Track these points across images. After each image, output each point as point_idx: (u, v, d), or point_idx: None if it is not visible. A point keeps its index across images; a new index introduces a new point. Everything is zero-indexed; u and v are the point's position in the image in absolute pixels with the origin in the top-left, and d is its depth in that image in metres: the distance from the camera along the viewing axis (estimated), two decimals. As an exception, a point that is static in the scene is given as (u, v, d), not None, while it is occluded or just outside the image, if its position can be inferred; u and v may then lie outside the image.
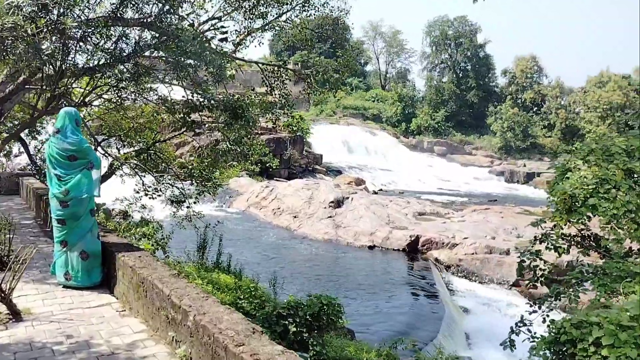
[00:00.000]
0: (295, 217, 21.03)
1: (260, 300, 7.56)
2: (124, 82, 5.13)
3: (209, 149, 12.00)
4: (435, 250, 16.88)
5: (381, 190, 33.25)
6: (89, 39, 5.03)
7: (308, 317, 6.71)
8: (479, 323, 12.65)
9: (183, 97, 8.56)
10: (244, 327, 3.12)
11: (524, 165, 45.18)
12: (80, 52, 4.97)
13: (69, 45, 4.64)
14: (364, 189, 29.98)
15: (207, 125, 10.50)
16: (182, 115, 8.62)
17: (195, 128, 9.09)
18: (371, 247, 17.53)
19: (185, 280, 4.23)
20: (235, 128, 9.66)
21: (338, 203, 21.06)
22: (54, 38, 4.45)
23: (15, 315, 4.08)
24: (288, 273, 13.97)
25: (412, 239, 17.17)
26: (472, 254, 16.26)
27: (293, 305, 6.94)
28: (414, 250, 17.09)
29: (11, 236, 4.84)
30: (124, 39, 5.58)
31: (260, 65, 11.61)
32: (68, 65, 4.86)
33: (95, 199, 5.24)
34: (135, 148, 11.17)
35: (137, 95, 6.81)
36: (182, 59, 6.78)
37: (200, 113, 9.41)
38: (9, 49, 4.00)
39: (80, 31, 4.53)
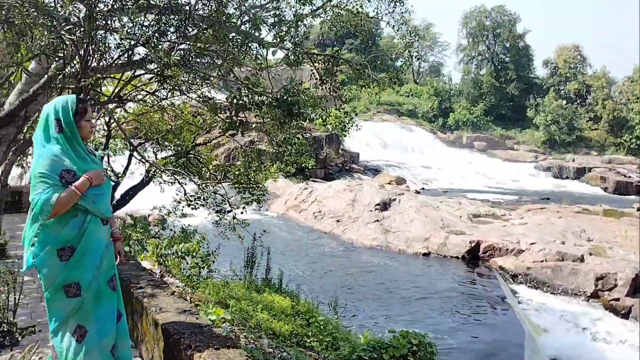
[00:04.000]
0: (338, 221, 19.69)
1: (332, 336, 6.24)
2: (171, 69, 3.85)
3: (254, 151, 10.78)
4: (498, 257, 15.31)
5: (423, 189, 31.67)
6: (119, 18, 3.78)
7: (396, 363, 5.38)
8: (564, 345, 11.10)
9: (230, 92, 7.27)
10: None
11: (573, 160, 42.81)
12: (110, 32, 3.75)
13: (97, 16, 3.41)
14: (406, 188, 28.44)
15: (254, 126, 9.24)
16: (229, 115, 7.34)
17: (244, 129, 7.80)
18: (426, 255, 16.06)
19: None
20: (287, 127, 8.39)
21: (384, 205, 19.63)
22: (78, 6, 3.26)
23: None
24: (340, 287, 12.65)
25: (473, 245, 15.64)
26: (542, 261, 14.65)
27: (375, 346, 5.60)
28: (474, 257, 15.56)
29: (17, 297, 3.37)
30: (161, 25, 4.37)
31: (311, 55, 10.27)
32: (97, 45, 3.63)
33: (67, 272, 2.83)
34: (173, 152, 10.06)
35: (180, 90, 5.51)
36: (230, 49, 5.54)
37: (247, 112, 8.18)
38: (15, 17, 2.81)
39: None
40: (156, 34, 3.73)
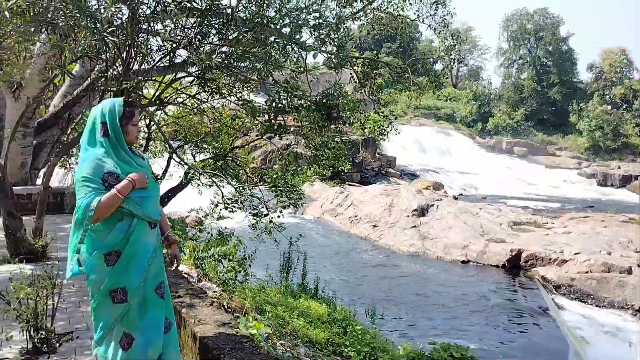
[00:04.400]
0: (374, 226, 19.46)
1: (370, 346, 6.07)
2: (212, 72, 3.76)
3: (291, 155, 10.70)
4: (541, 267, 14.81)
5: (461, 195, 31.07)
6: (161, 21, 3.73)
7: (438, 377, 5.18)
8: (604, 357, 10.65)
9: (269, 95, 7.20)
10: None
11: (619, 167, 41.32)
12: (152, 35, 3.70)
13: (140, 18, 3.36)
14: (444, 193, 27.96)
15: (292, 129, 9.16)
16: (268, 118, 7.26)
17: (282, 133, 7.71)
18: (464, 262, 15.69)
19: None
20: (326, 131, 8.27)
21: (422, 211, 19.31)
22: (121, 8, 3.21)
23: None
24: (377, 293, 12.46)
25: (513, 253, 15.19)
26: (586, 272, 14.09)
27: (415, 358, 5.41)
28: (515, 266, 15.10)
29: (56, 302, 3.29)
30: (203, 27, 4.30)
31: (351, 59, 10.14)
32: (138, 47, 3.60)
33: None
34: (211, 155, 10.07)
35: (220, 93, 5.45)
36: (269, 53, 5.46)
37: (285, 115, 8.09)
38: (59, 19, 2.78)
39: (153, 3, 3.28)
40: (198, 36, 3.66)
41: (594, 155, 46.63)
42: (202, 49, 3.73)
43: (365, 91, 10.32)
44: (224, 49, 4.55)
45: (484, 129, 52.06)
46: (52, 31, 2.93)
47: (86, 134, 2.80)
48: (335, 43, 6.47)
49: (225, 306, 5.03)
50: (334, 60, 5.96)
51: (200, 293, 3.69)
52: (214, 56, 3.62)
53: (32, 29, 2.86)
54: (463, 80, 63.33)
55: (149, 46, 3.81)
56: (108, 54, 3.78)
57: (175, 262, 3.15)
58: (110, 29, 3.00)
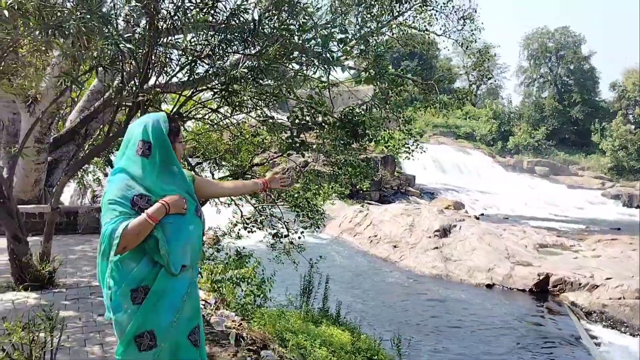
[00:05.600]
0: (395, 246, 18.95)
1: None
2: (237, 84, 3.41)
3: (312, 173, 10.35)
4: (570, 292, 14.18)
5: (482, 214, 30.39)
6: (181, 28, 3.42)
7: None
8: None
9: (292, 111, 6.86)
10: None
11: (645, 188, 40.28)
12: (171, 46, 3.38)
13: (159, 24, 3.04)
14: (465, 213, 27.34)
15: (314, 146, 8.82)
16: (291, 135, 6.93)
17: (304, 150, 7.37)
18: (489, 286, 15.10)
19: None
20: (351, 149, 7.92)
21: (444, 232, 18.76)
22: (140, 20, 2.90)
23: None
24: (401, 319, 11.96)
25: (541, 277, 14.58)
26: (619, 298, 13.44)
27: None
28: (543, 290, 14.49)
29: (59, 338, 2.78)
30: (227, 34, 4.00)
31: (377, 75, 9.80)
32: (157, 56, 3.27)
33: None
34: (228, 172, 9.76)
35: (245, 107, 5.12)
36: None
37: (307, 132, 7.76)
38: (68, 23, 2.46)
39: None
40: (222, 45, 3.32)
41: (617, 176, 45.57)
42: (226, 59, 3.39)
43: (387, 108, 9.99)
44: (247, 62, 4.25)
45: (504, 147, 51.35)
46: (60, 36, 2.61)
47: (120, 153, 2.41)
48: (371, 55, 6.12)
49: (246, 337, 4.65)
50: (371, 72, 5.59)
51: (222, 339, 3.28)
52: (238, 67, 3.28)
53: (38, 33, 2.54)
54: (482, 98, 62.75)
55: (168, 55, 3.48)
56: (124, 64, 3.47)
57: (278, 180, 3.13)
58: (126, 35, 2.69)
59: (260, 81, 3.59)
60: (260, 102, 4.99)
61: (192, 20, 3.38)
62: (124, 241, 2.16)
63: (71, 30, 2.45)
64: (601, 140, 48.69)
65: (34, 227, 6.80)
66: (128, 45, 2.77)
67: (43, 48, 3.71)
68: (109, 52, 2.90)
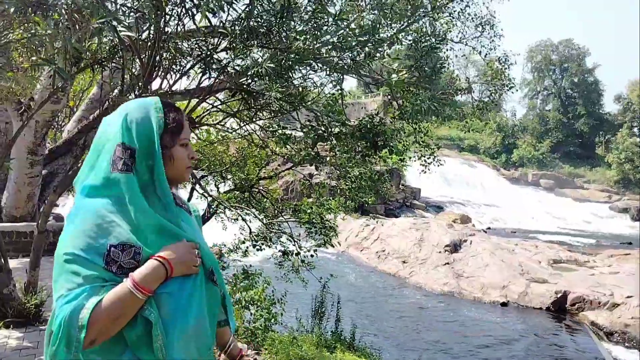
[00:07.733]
0: (404, 262, 18.34)
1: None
2: (263, 81, 2.85)
3: (326, 187, 9.82)
4: (589, 310, 13.54)
5: (489, 228, 29.80)
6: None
7: None
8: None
9: (307, 121, 6.33)
10: None
11: (654, 201, 39.69)
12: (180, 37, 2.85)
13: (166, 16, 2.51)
14: (473, 227, 26.75)
15: (328, 158, 8.28)
16: (305, 147, 6.40)
17: (319, 162, 6.84)
18: (504, 305, 14.46)
19: None
20: (369, 161, 7.39)
21: (455, 247, 18.17)
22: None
23: None
24: (414, 339, 11.34)
25: (559, 295, 13.95)
26: (642, 318, 12.80)
27: None
28: (560, 309, 13.85)
29: None
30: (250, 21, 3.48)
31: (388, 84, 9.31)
32: (165, 47, 2.72)
33: None
34: (234, 186, 9.24)
35: (272, 110, 4.56)
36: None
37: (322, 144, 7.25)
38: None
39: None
40: (243, 34, 2.74)
41: (624, 189, 45.04)
42: (247, 52, 2.81)
43: (406, 118, 9.50)
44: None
45: (508, 160, 50.90)
46: (43, 16, 2.03)
47: (85, 168, 1.42)
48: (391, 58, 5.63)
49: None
50: (394, 76, 5.06)
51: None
52: (263, 62, 2.70)
53: (13, 11, 2.00)
54: (487, 111, 62.41)
55: (177, 47, 2.91)
56: (124, 59, 2.91)
57: None
58: (128, 14, 2.16)
59: (288, 80, 3.03)
60: (286, 104, 4.24)
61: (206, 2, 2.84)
62: (94, 331, 1.21)
63: (56, 9, 1.92)
64: (606, 153, 48.27)
65: (25, 247, 6.11)
66: (128, 33, 2.23)
67: (34, 47, 3.18)
68: (105, 39, 2.36)
